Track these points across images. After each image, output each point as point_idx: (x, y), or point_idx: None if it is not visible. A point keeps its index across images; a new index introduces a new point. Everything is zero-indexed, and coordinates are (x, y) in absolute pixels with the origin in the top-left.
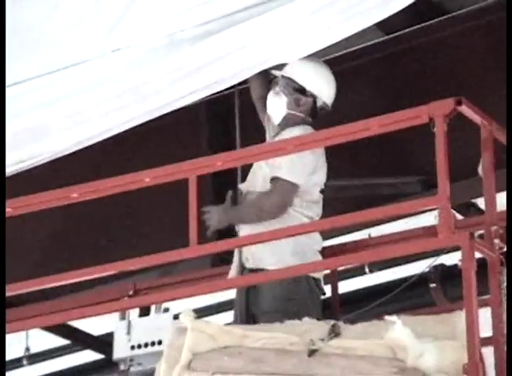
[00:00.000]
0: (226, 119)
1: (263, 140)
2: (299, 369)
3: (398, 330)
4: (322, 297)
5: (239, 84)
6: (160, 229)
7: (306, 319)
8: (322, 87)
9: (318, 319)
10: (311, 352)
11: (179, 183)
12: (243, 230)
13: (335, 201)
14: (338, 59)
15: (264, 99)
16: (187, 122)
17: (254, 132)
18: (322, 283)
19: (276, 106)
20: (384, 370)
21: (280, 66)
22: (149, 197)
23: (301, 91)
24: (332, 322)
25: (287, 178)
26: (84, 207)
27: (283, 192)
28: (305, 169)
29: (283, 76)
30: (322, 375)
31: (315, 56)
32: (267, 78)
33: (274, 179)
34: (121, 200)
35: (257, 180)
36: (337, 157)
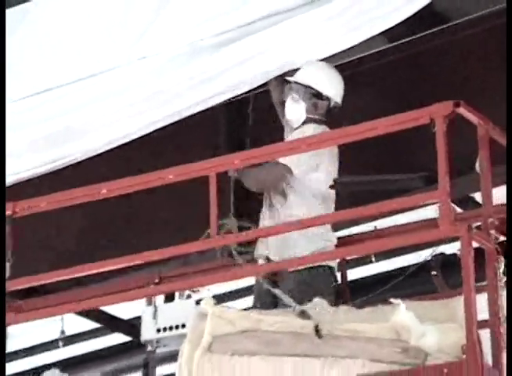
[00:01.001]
0: (243, 122)
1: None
2: (311, 351)
3: (402, 313)
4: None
5: (255, 89)
6: (175, 224)
7: (316, 300)
8: (337, 90)
9: (330, 303)
10: (319, 335)
11: (187, 185)
12: (264, 222)
13: (344, 196)
14: (346, 65)
15: (282, 103)
16: (207, 125)
17: (268, 133)
18: (336, 272)
19: (296, 112)
20: (388, 350)
21: (291, 72)
22: (162, 197)
23: (318, 96)
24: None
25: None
26: (109, 204)
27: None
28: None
29: (296, 82)
30: (333, 355)
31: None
32: (282, 84)
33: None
34: (144, 200)
35: None
36: (346, 156)
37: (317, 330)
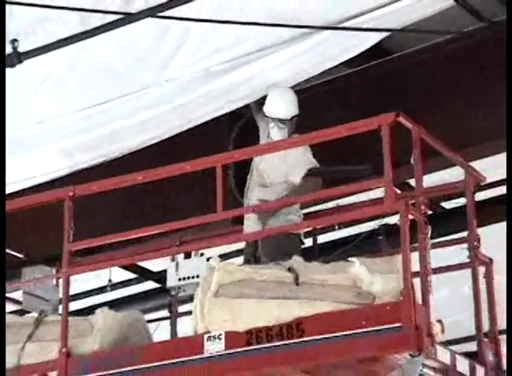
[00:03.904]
0: (243, 127)
1: None
2: (290, 294)
3: (357, 267)
4: (303, 246)
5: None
6: (191, 202)
7: (295, 257)
8: (297, 109)
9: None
10: (297, 283)
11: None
12: (252, 202)
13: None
14: (319, 86)
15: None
16: (217, 129)
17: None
18: (303, 237)
19: (283, 135)
20: (347, 294)
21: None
22: (185, 182)
23: (293, 118)
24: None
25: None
26: (143, 187)
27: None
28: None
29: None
30: (306, 298)
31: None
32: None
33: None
34: (168, 184)
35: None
36: (319, 152)
37: (296, 280)
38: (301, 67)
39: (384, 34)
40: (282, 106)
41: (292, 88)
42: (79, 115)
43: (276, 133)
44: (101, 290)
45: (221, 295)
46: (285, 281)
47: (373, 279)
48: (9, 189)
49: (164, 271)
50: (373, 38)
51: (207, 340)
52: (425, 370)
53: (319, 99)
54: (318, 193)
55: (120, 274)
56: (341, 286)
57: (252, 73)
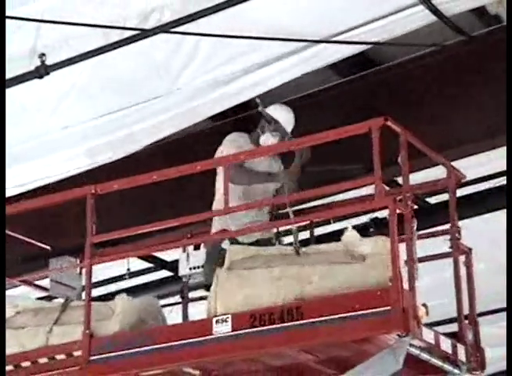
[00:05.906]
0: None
1: None
2: (291, 262)
3: (349, 231)
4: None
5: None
6: (200, 198)
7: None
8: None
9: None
10: (297, 253)
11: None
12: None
13: (315, 179)
14: (313, 94)
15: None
16: (221, 133)
17: None
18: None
19: (274, 141)
20: (341, 256)
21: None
22: (192, 181)
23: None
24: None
25: None
26: (157, 186)
27: None
28: None
29: (277, 123)
30: (307, 263)
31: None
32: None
33: None
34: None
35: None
36: (316, 153)
37: (296, 250)
38: (290, 75)
39: (370, 45)
40: (287, 119)
41: (289, 96)
42: (101, 120)
43: (270, 137)
44: (120, 278)
45: (233, 268)
46: (287, 253)
47: (364, 241)
48: (36, 184)
49: (177, 261)
50: (359, 49)
51: (216, 323)
52: (412, 349)
53: (314, 106)
54: (316, 191)
55: (137, 264)
56: (336, 251)
57: (252, 81)
